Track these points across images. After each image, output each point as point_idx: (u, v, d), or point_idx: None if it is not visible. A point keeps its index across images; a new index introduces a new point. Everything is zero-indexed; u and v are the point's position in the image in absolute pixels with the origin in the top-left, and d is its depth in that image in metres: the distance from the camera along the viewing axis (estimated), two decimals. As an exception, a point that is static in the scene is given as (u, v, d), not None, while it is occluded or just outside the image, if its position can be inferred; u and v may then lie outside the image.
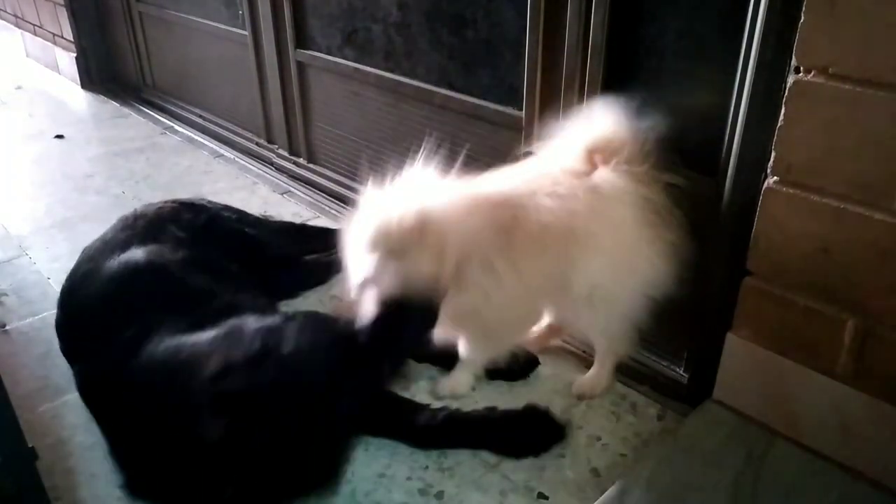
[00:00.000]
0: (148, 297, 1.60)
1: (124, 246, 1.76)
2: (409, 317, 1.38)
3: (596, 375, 1.70)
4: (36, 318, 2.01)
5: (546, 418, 1.57)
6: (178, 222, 1.91)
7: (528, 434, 1.55)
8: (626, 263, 1.52)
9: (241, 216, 2.15)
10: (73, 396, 1.66)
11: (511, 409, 1.59)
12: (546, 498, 1.42)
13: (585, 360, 1.78)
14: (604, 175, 1.50)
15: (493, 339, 1.63)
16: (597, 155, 1.51)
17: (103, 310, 1.61)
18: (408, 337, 1.43)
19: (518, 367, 1.74)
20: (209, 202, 2.12)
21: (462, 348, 1.66)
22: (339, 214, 2.58)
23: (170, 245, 1.79)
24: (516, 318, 1.63)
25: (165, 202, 2.02)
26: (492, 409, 1.59)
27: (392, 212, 1.39)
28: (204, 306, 1.58)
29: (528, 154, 1.64)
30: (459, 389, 1.69)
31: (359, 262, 1.42)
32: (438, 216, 1.40)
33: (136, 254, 1.71)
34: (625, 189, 1.48)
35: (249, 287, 1.82)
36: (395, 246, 1.38)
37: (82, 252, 1.83)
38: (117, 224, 1.90)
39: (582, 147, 1.51)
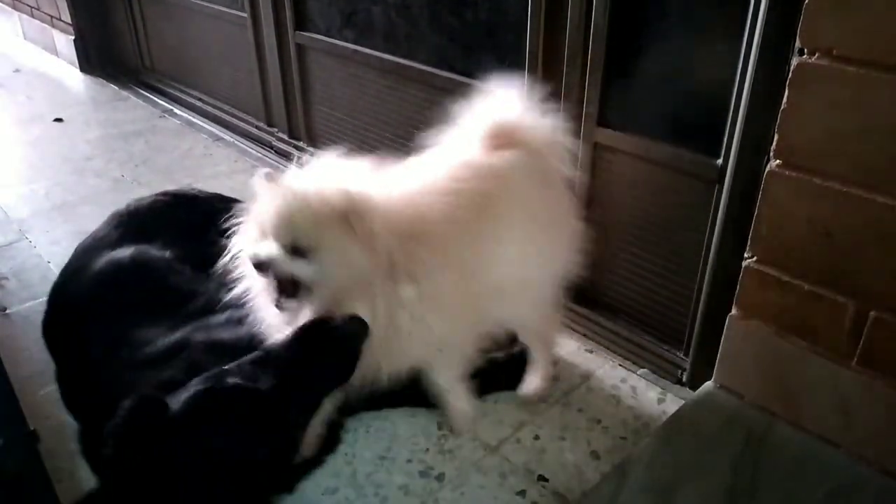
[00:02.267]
0: (129, 298, 1.60)
1: (115, 244, 1.76)
2: (327, 351, 1.20)
3: (542, 372, 1.63)
4: (36, 301, 2.00)
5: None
6: (171, 217, 1.90)
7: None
8: (535, 246, 1.43)
9: (236, 206, 2.10)
10: (75, 379, 1.67)
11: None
12: (546, 480, 1.43)
13: (582, 341, 1.79)
14: (504, 154, 1.41)
15: (450, 346, 1.44)
16: (497, 141, 1.43)
17: (86, 309, 1.61)
18: (325, 379, 1.25)
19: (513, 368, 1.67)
20: (200, 191, 2.09)
21: (433, 377, 1.49)
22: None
23: (160, 242, 1.79)
24: (459, 318, 1.40)
25: (157, 195, 1.99)
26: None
27: (306, 192, 1.18)
28: (186, 305, 1.59)
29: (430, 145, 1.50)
30: (471, 415, 1.55)
31: (255, 253, 1.20)
32: (365, 199, 1.21)
33: (122, 253, 1.70)
34: (526, 164, 1.41)
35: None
36: (307, 234, 1.18)
37: (76, 248, 1.84)
38: (110, 220, 1.89)
39: (482, 134, 1.43)
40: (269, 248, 1.20)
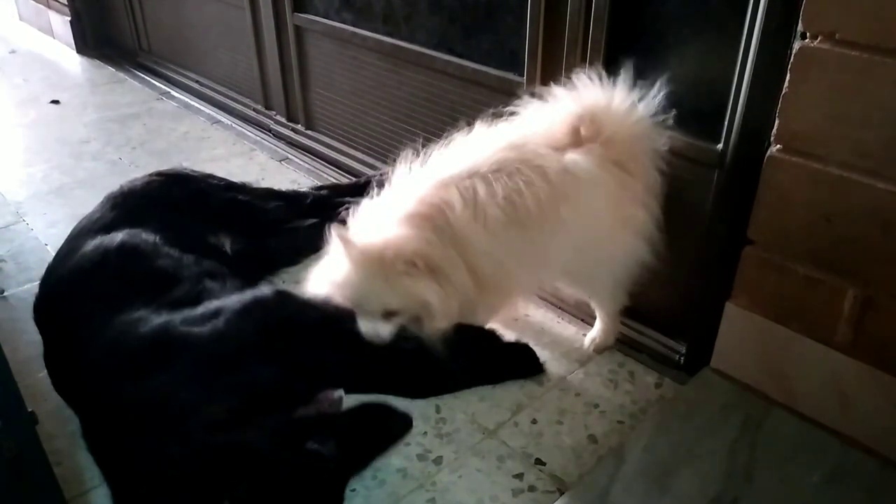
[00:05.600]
0: (115, 283, 1.60)
1: (109, 227, 1.75)
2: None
3: (602, 327, 1.73)
4: (34, 283, 1.99)
5: (527, 351, 1.67)
6: (165, 197, 1.89)
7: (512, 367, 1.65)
8: (597, 246, 1.53)
9: (228, 183, 2.10)
10: (73, 362, 1.67)
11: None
12: (543, 464, 1.43)
13: (580, 326, 1.79)
14: (574, 158, 1.46)
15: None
16: (583, 129, 1.47)
17: (73, 293, 1.61)
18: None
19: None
20: (192, 171, 2.08)
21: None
22: (337, 182, 2.56)
23: (154, 223, 1.78)
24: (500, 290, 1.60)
25: (151, 176, 1.97)
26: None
27: (380, 256, 1.40)
28: (173, 289, 1.60)
29: (513, 113, 1.59)
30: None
31: (377, 335, 1.48)
32: (433, 245, 1.42)
33: (111, 239, 1.69)
34: (596, 173, 1.45)
35: (233, 261, 1.82)
36: (391, 302, 1.44)
37: (72, 230, 1.83)
38: (105, 202, 1.88)
39: (569, 119, 1.47)
40: (380, 329, 1.48)
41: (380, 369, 1.59)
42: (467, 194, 1.43)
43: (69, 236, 1.81)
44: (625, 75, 1.48)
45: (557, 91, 1.52)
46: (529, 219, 1.44)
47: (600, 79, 1.48)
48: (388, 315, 1.47)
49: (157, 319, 1.48)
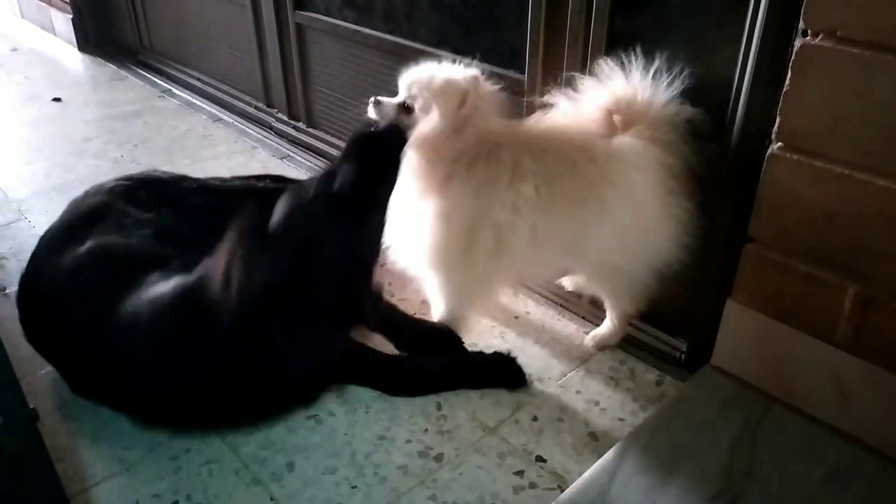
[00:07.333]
0: (93, 288, 1.55)
1: (79, 234, 1.66)
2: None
3: (610, 328, 1.73)
4: (36, 281, 2.00)
5: (510, 363, 1.65)
6: (134, 203, 1.80)
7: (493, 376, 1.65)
8: (640, 235, 1.51)
9: (201, 185, 1.99)
10: (75, 359, 1.67)
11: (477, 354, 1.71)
12: (544, 461, 1.43)
13: (581, 324, 1.79)
14: (624, 141, 1.47)
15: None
16: (617, 117, 1.49)
17: (57, 303, 1.58)
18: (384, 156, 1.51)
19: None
20: (163, 173, 1.99)
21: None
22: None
23: (126, 229, 1.70)
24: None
25: (118, 180, 1.88)
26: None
27: (439, 69, 1.53)
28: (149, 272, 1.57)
29: (541, 108, 1.61)
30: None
31: (376, 98, 1.57)
32: (487, 97, 1.52)
33: (80, 250, 1.62)
34: (645, 158, 1.46)
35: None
36: (414, 96, 1.51)
37: (42, 235, 1.74)
38: (70, 208, 1.80)
39: (603, 107, 1.49)
40: (390, 100, 1.57)
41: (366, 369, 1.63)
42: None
43: (38, 246, 1.72)
44: (645, 62, 1.47)
45: (586, 82, 1.53)
46: (568, 201, 1.47)
47: (624, 68, 1.48)
48: (402, 110, 1.54)
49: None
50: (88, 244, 1.62)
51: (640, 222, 1.50)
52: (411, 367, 1.67)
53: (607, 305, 1.72)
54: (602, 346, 1.73)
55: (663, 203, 1.48)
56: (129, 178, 1.90)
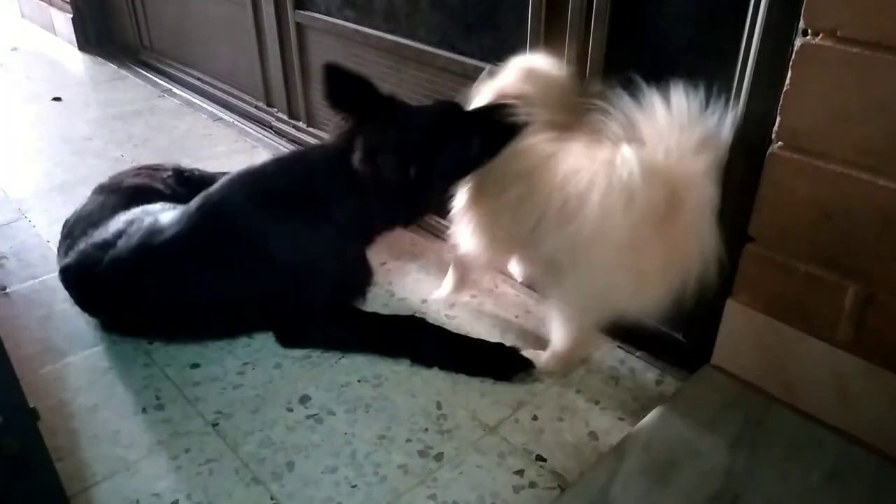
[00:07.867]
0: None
1: (113, 210, 1.87)
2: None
3: (549, 350, 1.64)
4: (36, 280, 2.01)
5: (515, 351, 1.67)
6: (159, 181, 2.07)
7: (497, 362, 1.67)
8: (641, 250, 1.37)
9: (200, 172, 2.25)
10: (75, 358, 1.68)
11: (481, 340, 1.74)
12: (544, 460, 1.43)
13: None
14: (630, 154, 1.33)
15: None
16: (635, 132, 1.37)
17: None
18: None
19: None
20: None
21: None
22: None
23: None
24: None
25: (139, 168, 2.16)
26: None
27: (540, 56, 1.63)
28: None
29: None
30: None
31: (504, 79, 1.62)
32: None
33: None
34: (660, 171, 1.32)
35: None
36: (543, 89, 1.56)
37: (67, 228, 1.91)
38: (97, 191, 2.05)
39: (623, 121, 1.38)
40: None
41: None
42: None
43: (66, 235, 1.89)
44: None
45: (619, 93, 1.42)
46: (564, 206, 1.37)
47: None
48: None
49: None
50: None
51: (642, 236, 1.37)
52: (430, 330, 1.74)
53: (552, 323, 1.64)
54: (538, 373, 1.65)
55: (680, 222, 1.35)
56: (144, 166, 2.20)
